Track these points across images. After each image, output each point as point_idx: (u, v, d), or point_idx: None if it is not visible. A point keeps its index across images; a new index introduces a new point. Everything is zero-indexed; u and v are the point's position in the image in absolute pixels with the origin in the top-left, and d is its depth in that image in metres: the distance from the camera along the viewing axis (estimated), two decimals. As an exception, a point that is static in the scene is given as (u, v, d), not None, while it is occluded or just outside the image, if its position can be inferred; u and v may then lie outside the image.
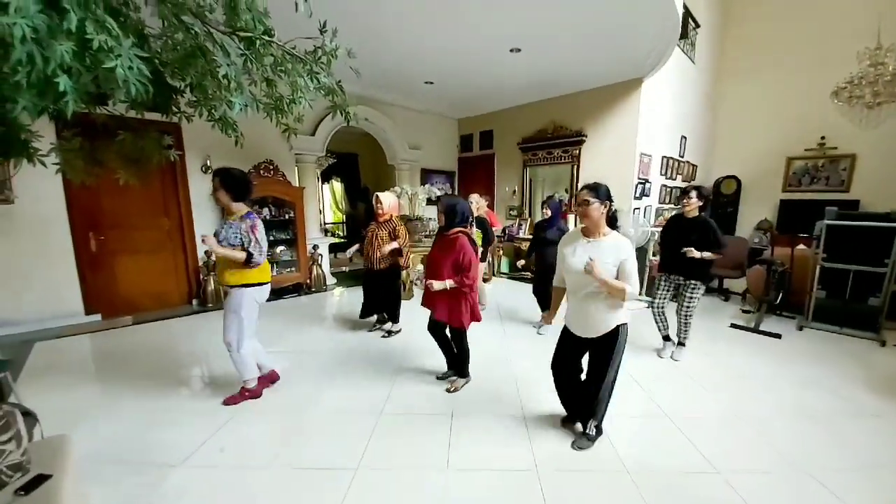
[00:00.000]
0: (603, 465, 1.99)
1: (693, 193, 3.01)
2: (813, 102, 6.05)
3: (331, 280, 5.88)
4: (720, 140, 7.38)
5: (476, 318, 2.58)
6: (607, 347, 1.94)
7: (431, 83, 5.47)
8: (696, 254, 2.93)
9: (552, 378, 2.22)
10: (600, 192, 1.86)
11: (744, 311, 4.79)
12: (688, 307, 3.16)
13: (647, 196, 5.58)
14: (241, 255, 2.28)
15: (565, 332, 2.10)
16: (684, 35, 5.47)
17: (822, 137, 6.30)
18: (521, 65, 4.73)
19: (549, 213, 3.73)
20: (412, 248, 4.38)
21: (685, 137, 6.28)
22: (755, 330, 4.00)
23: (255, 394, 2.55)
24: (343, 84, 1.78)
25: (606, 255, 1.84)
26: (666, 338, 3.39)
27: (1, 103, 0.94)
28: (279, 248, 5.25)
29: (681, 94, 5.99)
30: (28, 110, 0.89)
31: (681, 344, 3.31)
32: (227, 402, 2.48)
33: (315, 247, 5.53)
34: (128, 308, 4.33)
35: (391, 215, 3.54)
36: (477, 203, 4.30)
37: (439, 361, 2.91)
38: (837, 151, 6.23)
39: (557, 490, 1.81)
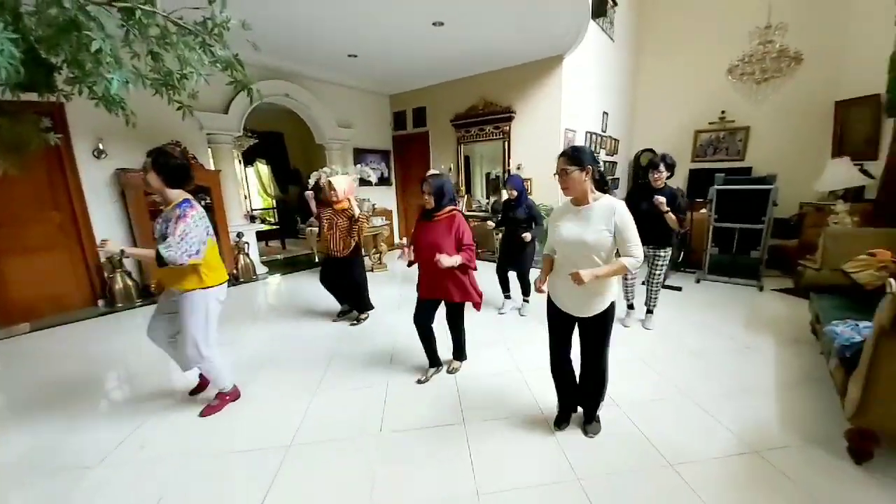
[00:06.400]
0: (522, 411, 2.15)
1: (662, 167, 2.94)
2: (715, 79, 6.62)
3: (261, 269, 5.59)
4: (639, 115, 7.90)
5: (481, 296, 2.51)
6: (601, 328, 1.82)
7: (355, 56, 5.23)
8: (664, 206, 2.85)
9: (552, 373, 2.04)
10: (583, 157, 1.67)
11: (656, 272, 5.30)
12: (659, 275, 3.23)
13: (573, 169, 5.85)
14: (150, 254, 1.96)
15: (556, 314, 1.91)
16: (602, 13, 5.68)
17: (723, 112, 6.97)
18: (445, 39, 4.66)
19: (515, 192, 3.47)
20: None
21: (607, 113, 6.63)
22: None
23: (234, 396, 2.41)
24: (256, 57, 1.67)
25: (597, 222, 1.68)
26: (630, 306, 3.43)
27: None
28: (199, 238, 4.89)
29: (601, 71, 6.28)
30: None
31: (649, 311, 3.36)
32: (205, 414, 2.27)
33: (240, 234, 5.20)
34: (24, 314, 3.84)
35: (348, 200, 3.27)
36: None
37: (385, 343, 2.89)
38: (735, 124, 6.93)
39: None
